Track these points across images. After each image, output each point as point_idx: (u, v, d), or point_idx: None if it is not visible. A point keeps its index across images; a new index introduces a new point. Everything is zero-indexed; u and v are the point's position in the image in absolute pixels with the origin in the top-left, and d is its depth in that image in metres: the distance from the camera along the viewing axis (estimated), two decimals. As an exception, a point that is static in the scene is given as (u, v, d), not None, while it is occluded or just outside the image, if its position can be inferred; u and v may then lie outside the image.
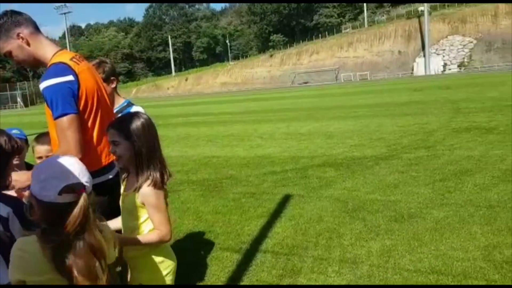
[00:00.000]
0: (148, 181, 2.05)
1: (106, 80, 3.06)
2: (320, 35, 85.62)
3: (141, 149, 2.05)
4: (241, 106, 27.46)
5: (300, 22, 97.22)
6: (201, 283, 3.52)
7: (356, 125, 12.70)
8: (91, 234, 1.52)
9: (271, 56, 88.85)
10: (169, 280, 2.17)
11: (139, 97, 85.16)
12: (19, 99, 75.64)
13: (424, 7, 66.25)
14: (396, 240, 4.01)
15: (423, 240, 3.95)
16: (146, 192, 2.05)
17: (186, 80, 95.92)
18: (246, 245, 4.19)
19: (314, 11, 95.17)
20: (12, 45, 2.36)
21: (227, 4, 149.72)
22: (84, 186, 1.54)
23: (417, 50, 68.97)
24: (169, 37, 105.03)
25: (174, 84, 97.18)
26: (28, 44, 2.38)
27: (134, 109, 3.22)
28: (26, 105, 78.52)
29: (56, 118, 2.23)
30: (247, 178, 7.00)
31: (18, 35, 2.35)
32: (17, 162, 2.74)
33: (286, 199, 5.62)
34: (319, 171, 7.05)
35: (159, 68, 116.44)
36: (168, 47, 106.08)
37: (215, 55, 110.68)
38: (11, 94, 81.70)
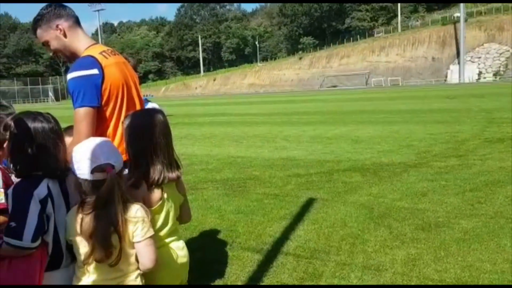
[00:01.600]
0: (129, 182, 2.05)
1: None
2: (351, 38, 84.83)
3: (127, 148, 2.09)
4: (268, 108, 27.45)
5: (331, 25, 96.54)
6: (221, 281, 3.50)
7: (385, 130, 12.47)
8: (113, 208, 1.80)
9: (300, 58, 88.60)
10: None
11: (168, 96, 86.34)
12: (50, 93, 77.93)
13: (460, 14, 64.74)
14: (422, 249, 3.89)
15: (449, 250, 3.82)
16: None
17: (214, 80, 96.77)
18: (267, 246, 4.15)
19: (346, 14, 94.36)
20: (50, 35, 2.46)
21: (258, 5, 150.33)
22: (113, 166, 1.82)
23: (451, 57, 67.48)
24: (199, 37, 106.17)
25: (202, 84, 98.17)
26: (65, 36, 2.47)
27: (149, 106, 3.23)
28: (57, 99, 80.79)
29: (75, 108, 2.30)
30: (270, 180, 6.96)
31: (57, 26, 2.45)
32: None
33: (309, 202, 5.55)
34: (344, 176, 6.94)
35: (188, 67, 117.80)
36: (198, 47, 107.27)
37: (243, 56, 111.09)
38: (43, 88, 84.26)
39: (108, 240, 1.78)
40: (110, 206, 1.80)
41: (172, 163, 2.11)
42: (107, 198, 1.80)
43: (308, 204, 5.44)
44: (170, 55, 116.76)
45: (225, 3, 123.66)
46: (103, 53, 2.42)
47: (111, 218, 1.80)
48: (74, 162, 1.85)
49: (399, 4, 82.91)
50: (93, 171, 1.79)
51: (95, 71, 2.30)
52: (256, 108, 27.57)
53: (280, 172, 7.47)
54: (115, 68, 2.42)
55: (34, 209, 1.79)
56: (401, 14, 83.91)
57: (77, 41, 2.49)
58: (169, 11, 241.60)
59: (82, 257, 1.82)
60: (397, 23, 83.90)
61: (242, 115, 21.80)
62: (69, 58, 2.53)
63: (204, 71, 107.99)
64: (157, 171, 2.03)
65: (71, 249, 1.93)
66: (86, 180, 1.81)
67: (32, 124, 1.91)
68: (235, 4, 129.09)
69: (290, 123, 16.52)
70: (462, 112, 16.55)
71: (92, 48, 2.46)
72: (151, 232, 1.88)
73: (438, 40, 71.06)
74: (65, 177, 1.97)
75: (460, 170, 6.87)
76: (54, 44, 2.48)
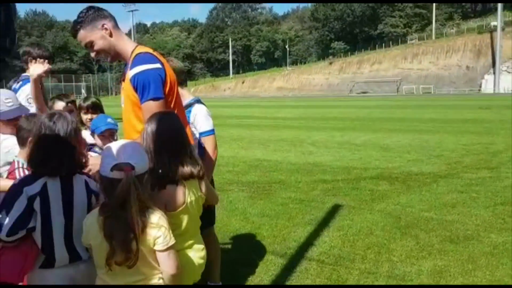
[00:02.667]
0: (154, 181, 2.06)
1: None
2: (383, 44, 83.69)
3: (149, 147, 2.09)
4: (296, 112, 27.37)
5: (364, 30, 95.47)
6: (244, 283, 3.53)
7: (415, 139, 12.25)
8: (130, 210, 1.77)
9: (330, 63, 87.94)
10: None
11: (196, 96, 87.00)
12: (83, 91, 79.72)
13: (497, 22, 62.97)
14: (449, 261, 3.83)
15: (478, 264, 3.74)
16: None
17: (243, 82, 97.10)
18: (291, 251, 4.16)
19: (379, 19, 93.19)
20: (96, 35, 2.49)
21: (289, 9, 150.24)
22: (133, 167, 1.79)
23: (486, 66, 65.62)
24: (230, 39, 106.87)
25: (231, 86, 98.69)
26: (111, 36, 2.51)
27: (196, 107, 3.24)
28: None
29: (145, 101, 2.33)
30: (296, 184, 6.95)
31: (103, 26, 2.49)
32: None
33: (335, 208, 5.52)
34: (372, 184, 6.87)
35: (218, 69, 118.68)
36: (228, 49, 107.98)
37: (273, 59, 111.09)
38: (76, 86, 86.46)
39: (128, 242, 1.77)
40: (127, 207, 1.78)
41: (191, 161, 2.12)
42: (124, 198, 1.77)
43: (334, 211, 5.41)
44: (200, 56, 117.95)
45: (257, 6, 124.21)
46: (155, 52, 2.52)
47: (127, 220, 1.78)
48: (101, 159, 1.91)
49: (433, 11, 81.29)
50: (112, 169, 1.79)
51: (159, 65, 2.40)
52: (284, 112, 27.53)
53: (306, 177, 7.45)
54: (168, 66, 2.53)
55: (19, 205, 1.85)
56: (435, 21, 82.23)
57: (122, 42, 2.55)
58: (201, 13, 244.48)
59: (104, 260, 1.80)
60: (431, 30, 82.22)
61: (270, 119, 21.81)
62: (113, 58, 2.59)
63: (233, 74, 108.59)
64: (174, 170, 2.05)
65: (73, 248, 1.97)
66: (105, 177, 1.83)
67: (44, 125, 2.01)
68: (267, 8, 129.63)
69: (318, 128, 16.43)
70: (496, 123, 16.08)
71: (142, 47, 2.54)
72: (173, 241, 1.87)
73: (473, 48, 69.25)
74: (72, 177, 2.01)
75: (492, 183, 6.69)
76: (99, 44, 2.50)
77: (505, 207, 5.38)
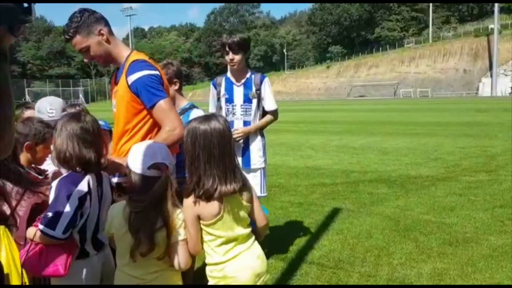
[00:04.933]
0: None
1: (169, 81, 3.16)
2: (380, 48, 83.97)
3: (184, 153, 2.06)
4: (294, 116, 27.40)
5: (361, 34, 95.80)
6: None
7: (413, 142, 12.29)
8: (165, 206, 1.92)
9: (327, 67, 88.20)
10: None
11: (195, 101, 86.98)
12: (81, 96, 79.73)
13: (494, 25, 63.26)
14: (448, 264, 3.84)
15: (477, 267, 3.76)
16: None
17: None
18: (291, 254, 4.17)
19: (376, 23, 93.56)
20: (93, 40, 2.46)
21: (287, 13, 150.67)
22: (167, 166, 1.98)
23: (483, 69, 65.88)
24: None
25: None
26: (107, 41, 2.50)
27: (194, 112, 3.30)
28: (87, 101, 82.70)
29: (155, 103, 2.39)
30: (295, 188, 6.97)
31: (99, 31, 2.47)
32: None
33: (335, 212, 5.53)
34: (370, 187, 6.89)
35: (216, 73, 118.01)
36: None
37: (271, 63, 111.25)
38: (73, 90, 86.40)
39: (153, 236, 1.89)
40: (162, 203, 1.93)
41: (229, 175, 1.96)
42: (161, 195, 1.92)
43: (333, 214, 5.43)
44: (198, 61, 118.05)
45: (254, 11, 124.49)
46: (151, 60, 2.56)
47: (161, 215, 1.92)
48: (131, 157, 2.02)
49: (430, 15, 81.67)
50: (150, 167, 1.94)
51: (157, 72, 2.46)
52: (282, 116, 27.35)
53: (305, 181, 7.47)
54: (163, 74, 2.57)
55: (72, 204, 1.94)
56: (432, 24, 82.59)
57: (118, 47, 2.56)
58: (199, 18, 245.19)
59: (125, 250, 1.94)
60: (428, 33, 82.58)
61: (268, 123, 21.84)
62: (106, 63, 2.61)
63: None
64: (208, 183, 1.93)
65: (97, 237, 2.10)
66: (141, 175, 1.95)
67: (68, 125, 2.06)
68: (264, 12, 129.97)
69: (317, 132, 16.47)
70: (494, 126, 16.14)
71: (138, 54, 2.56)
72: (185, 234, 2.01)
73: (470, 52, 69.54)
74: (101, 172, 2.15)
75: (490, 186, 6.71)
76: (95, 50, 2.48)
77: (504, 210, 5.40)
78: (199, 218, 1.98)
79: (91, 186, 2.04)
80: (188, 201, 1.97)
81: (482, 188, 6.55)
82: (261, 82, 3.67)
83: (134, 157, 2.00)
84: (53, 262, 1.92)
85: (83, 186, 2.01)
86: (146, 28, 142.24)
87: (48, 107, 2.85)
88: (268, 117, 3.87)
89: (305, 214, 5.49)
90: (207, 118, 2.04)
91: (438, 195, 6.25)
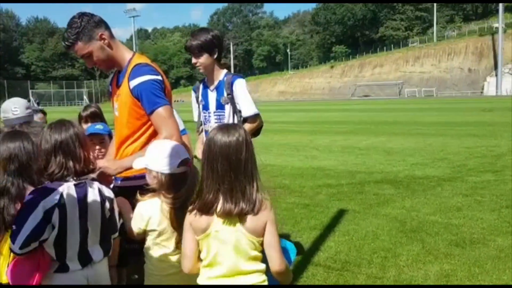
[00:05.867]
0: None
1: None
2: (385, 48, 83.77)
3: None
4: (298, 116, 27.40)
5: (365, 34, 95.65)
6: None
7: (418, 142, 12.24)
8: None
9: (331, 67, 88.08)
10: None
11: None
12: (85, 97, 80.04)
13: (498, 24, 62.94)
14: (455, 265, 3.82)
15: (484, 268, 3.74)
16: None
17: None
18: (297, 257, 4.15)
19: (380, 23, 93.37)
20: (94, 46, 2.41)
21: (290, 13, 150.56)
22: (190, 160, 2.13)
23: (488, 68, 65.59)
24: (231, 44, 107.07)
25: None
26: (109, 46, 2.46)
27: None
28: (91, 102, 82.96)
29: (154, 109, 2.38)
30: (301, 189, 6.95)
31: (100, 36, 2.41)
32: (101, 153, 2.95)
33: (340, 213, 5.52)
34: (376, 188, 6.87)
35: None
36: (229, 54, 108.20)
37: (275, 63, 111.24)
38: (77, 92, 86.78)
39: None
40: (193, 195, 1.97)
41: (235, 193, 1.77)
42: (195, 187, 1.97)
43: (339, 215, 5.41)
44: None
45: (258, 11, 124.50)
46: (153, 64, 2.54)
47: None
48: (153, 160, 2.09)
49: (435, 14, 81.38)
50: (179, 164, 2.07)
51: (160, 77, 2.44)
52: (286, 116, 27.55)
53: (311, 182, 7.46)
54: (166, 78, 2.55)
55: (34, 217, 1.83)
56: (437, 23, 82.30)
57: (119, 51, 2.52)
58: (202, 19, 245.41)
59: (166, 242, 2.13)
60: (432, 33, 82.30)
61: (272, 123, 21.78)
62: (109, 67, 2.57)
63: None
64: (208, 197, 1.79)
65: (86, 252, 1.99)
66: (170, 174, 2.06)
67: (47, 135, 2.00)
68: (268, 12, 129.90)
69: (321, 132, 16.43)
70: (499, 126, 16.05)
71: (140, 57, 2.54)
72: None
73: (475, 51, 69.24)
74: (87, 181, 2.03)
75: (496, 186, 6.68)
76: (97, 55, 2.43)
77: (511, 210, 5.37)
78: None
79: (64, 197, 1.90)
80: (188, 209, 1.88)
81: (489, 189, 6.52)
82: (231, 84, 3.16)
83: (158, 159, 2.09)
84: (22, 274, 1.88)
85: (52, 197, 1.88)
86: (150, 29, 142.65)
87: (12, 106, 2.96)
88: (246, 126, 3.11)
89: (310, 215, 5.48)
90: (224, 127, 1.87)
91: (445, 196, 6.22)
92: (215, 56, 3.13)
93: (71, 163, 1.94)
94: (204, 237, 1.82)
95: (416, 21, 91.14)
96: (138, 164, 2.19)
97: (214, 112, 3.24)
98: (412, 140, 12.91)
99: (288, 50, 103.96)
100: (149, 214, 2.14)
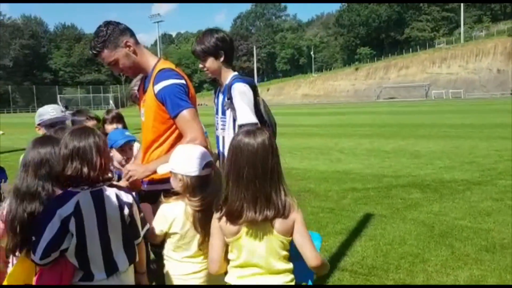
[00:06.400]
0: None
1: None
2: (410, 49, 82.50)
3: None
4: (322, 119, 27.25)
5: (390, 35, 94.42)
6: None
7: (446, 145, 12.01)
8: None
9: (356, 69, 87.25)
10: None
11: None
12: (111, 101, 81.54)
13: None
14: (486, 271, 3.74)
15: (516, 275, 3.65)
16: None
17: (268, 90, 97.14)
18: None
19: (406, 24, 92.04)
20: (120, 53, 2.49)
21: (314, 16, 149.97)
22: (212, 163, 2.17)
23: (518, 69, 63.75)
24: (254, 47, 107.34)
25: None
26: (135, 53, 2.53)
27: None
28: (116, 107, 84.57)
29: (178, 113, 2.42)
30: (326, 193, 6.92)
31: (126, 43, 2.50)
32: (125, 158, 3.04)
33: (367, 217, 5.47)
34: (403, 192, 6.77)
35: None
36: (253, 57, 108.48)
37: (298, 66, 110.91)
38: (104, 96, 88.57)
39: None
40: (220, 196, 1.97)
41: (260, 200, 1.80)
42: (219, 188, 2.00)
43: (365, 220, 5.37)
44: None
45: (281, 14, 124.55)
46: (178, 68, 2.60)
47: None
48: (179, 163, 2.14)
49: (462, 14, 79.72)
50: (204, 167, 2.11)
51: (183, 81, 2.49)
52: (310, 119, 27.45)
53: (336, 186, 7.41)
54: (189, 82, 2.60)
55: (51, 227, 1.83)
56: (464, 24, 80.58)
57: (144, 57, 2.58)
58: (225, 23, 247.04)
59: (188, 244, 2.16)
60: (459, 33, 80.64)
61: (296, 126, 21.76)
62: (135, 73, 2.66)
63: (258, 82, 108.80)
64: (234, 205, 1.82)
65: (112, 261, 1.95)
66: (197, 176, 2.10)
67: (67, 140, 1.98)
68: (291, 15, 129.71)
69: (346, 135, 16.30)
70: (531, 128, 15.59)
71: (165, 63, 2.60)
72: None
73: (504, 51, 67.42)
74: (105, 188, 1.99)
75: (529, 190, 6.50)
76: (123, 62, 2.51)
77: (544, 216, 5.22)
78: (223, 235, 1.91)
79: (81, 205, 1.88)
80: (215, 215, 1.92)
81: (520, 193, 6.35)
82: (230, 88, 2.91)
83: (183, 163, 2.13)
84: (46, 284, 1.88)
85: (68, 206, 1.86)
86: (174, 34, 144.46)
87: (49, 109, 3.17)
88: None
89: (336, 219, 5.45)
90: (250, 131, 1.89)
91: (474, 200, 6.09)
92: (222, 59, 2.95)
93: (86, 170, 1.91)
94: (234, 240, 1.88)
95: (443, 21, 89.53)
96: (163, 169, 2.25)
97: (220, 118, 3.04)
98: (440, 142, 12.67)
99: (311, 53, 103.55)
100: (173, 216, 2.16)
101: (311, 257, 1.85)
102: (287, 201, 1.84)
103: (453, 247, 4.33)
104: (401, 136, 15.12)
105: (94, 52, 2.51)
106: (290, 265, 1.91)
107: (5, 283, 2.02)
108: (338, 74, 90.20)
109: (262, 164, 1.80)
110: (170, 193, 2.22)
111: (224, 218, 1.87)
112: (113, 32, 2.46)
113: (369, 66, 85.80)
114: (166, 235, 2.23)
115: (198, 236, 2.15)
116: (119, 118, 3.73)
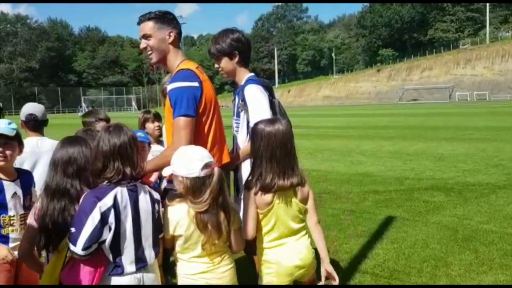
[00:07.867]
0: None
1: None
2: (434, 50, 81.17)
3: (251, 149, 2.42)
4: (343, 121, 27.05)
5: (413, 37, 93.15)
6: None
7: (470, 148, 11.78)
8: (225, 197, 2.17)
9: (378, 70, 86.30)
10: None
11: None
12: (133, 103, 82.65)
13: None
14: (511, 276, 3.65)
15: (544, 281, 3.55)
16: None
17: (289, 92, 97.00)
18: (344, 263, 4.12)
19: (429, 25, 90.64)
20: (158, 34, 2.59)
21: (336, 17, 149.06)
22: (213, 162, 2.16)
23: (546, 70, 62.03)
24: (275, 49, 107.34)
25: (276, 95, 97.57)
26: (171, 44, 2.62)
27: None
28: (139, 108, 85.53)
29: (175, 116, 2.44)
30: (347, 195, 6.87)
31: (169, 33, 2.61)
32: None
33: (388, 220, 5.41)
34: (426, 195, 6.67)
35: (263, 79, 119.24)
36: (274, 59, 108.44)
37: (319, 68, 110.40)
38: (126, 98, 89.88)
39: (220, 227, 2.15)
40: (221, 195, 2.14)
41: (287, 171, 2.28)
42: (221, 188, 2.12)
43: (387, 222, 5.31)
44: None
45: (302, 15, 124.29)
46: (199, 69, 2.62)
47: (222, 206, 2.15)
48: (179, 165, 2.14)
49: (487, 15, 78.04)
50: (203, 168, 2.10)
51: (196, 83, 2.49)
52: (332, 121, 27.28)
53: (357, 188, 7.35)
54: (209, 84, 2.62)
55: (92, 219, 1.88)
56: (490, 24, 78.85)
57: (174, 53, 2.65)
58: (247, 24, 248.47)
59: (194, 245, 2.17)
60: (485, 34, 78.96)
61: (317, 128, 21.67)
62: (158, 61, 2.66)
63: (279, 83, 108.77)
64: (268, 178, 2.26)
65: (142, 255, 2.03)
66: (196, 177, 2.10)
67: (102, 137, 2.04)
68: (312, 16, 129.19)
69: (367, 137, 16.15)
70: (560, 131, 15.15)
71: (187, 63, 2.63)
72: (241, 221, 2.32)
73: (532, 52, 65.75)
74: (138, 184, 2.07)
75: (557, 195, 6.32)
76: (154, 42, 2.59)
77: None
78: (257, 207, 2.29)
79: (118, 199, 1.97)
80: (250, 193, 2.29)
81: (548, 197, 6.18)
82: (242, 89, 2.89)
83: (182, 164, 2.13)
84: (79, 276, 1.93)
85: (107, 199, 1.93)
86: (196, 36, 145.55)
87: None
88: (247, 147, 2.77)
89: (357, 222, 5.40)
90: (272, 121, 2.39)
91: (499, 204, 5.95)
92: (236, 59, 2.91)
93: (128, 169, 1.99)
94: (267, 210, 2.29)
95: (467, 22, 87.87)
96: (167, 171, 2.31)
97: (235, 120, 3.02)
98: (464, 145, 12.43)
99: (333, 54, 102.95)
100: (177, 219, 2.16)
101: (314, 216, 2.45)
102: (302, 172, 2.36)
103: (477, 251, 4.25)
104: (424, 138, 14.89)
105: (142, 18, 2.62)
106: (303, 224, 2.42)
107: (43, 281, 2.08)
108: (359, 75, 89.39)
109: (290, 144, 2.31)
110: (174, 195, 2.24)
111: (259, 192, 2.27)
112: (169, 17, 2.63)
113: (391, 67, 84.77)
114: (174, 238, 2.24)
115: (202, 237, 2.16)
116: (159, 117, 3.86)
